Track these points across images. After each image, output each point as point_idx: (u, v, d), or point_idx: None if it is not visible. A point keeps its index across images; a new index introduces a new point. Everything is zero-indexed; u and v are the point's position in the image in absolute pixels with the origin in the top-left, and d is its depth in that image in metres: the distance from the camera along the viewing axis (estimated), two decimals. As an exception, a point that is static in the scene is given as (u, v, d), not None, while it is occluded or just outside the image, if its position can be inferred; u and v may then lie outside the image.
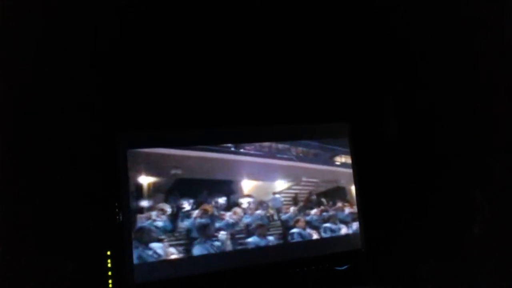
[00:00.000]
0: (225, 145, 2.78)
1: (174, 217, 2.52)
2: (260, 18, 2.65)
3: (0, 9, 2.09)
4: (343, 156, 3.10)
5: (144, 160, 2.53)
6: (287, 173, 2.92)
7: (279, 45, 2.77)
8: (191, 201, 2.59)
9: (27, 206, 2.14)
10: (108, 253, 2.35)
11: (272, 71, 2.81)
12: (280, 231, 2.81)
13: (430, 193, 2.72)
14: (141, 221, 2.45)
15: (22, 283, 2.06)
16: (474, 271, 2.42)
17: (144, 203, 2.49)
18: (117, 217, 2.40)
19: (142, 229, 2.44)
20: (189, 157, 2.66)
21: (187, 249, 2.53)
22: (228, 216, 2.67)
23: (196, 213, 2.58)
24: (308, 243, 2.85)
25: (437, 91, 2.70)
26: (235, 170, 2.77)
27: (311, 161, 3.02)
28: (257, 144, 2.87)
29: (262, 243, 2.72)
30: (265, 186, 2.85)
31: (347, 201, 3.04)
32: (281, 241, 2.77)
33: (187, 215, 2.56)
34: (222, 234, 2.62)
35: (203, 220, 2.58)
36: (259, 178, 2.84)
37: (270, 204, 2.81)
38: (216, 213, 2.64)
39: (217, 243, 2.60)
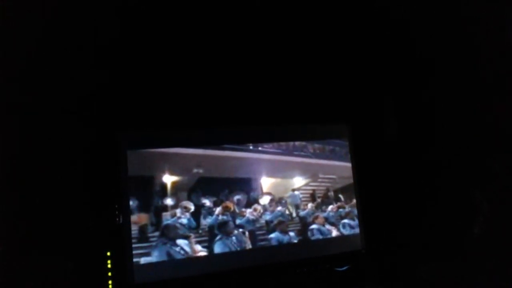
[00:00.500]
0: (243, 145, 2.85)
1: (197, 214, 2.60)
2: (261, 18, 2.65)
3: (0, 9, 2.09)
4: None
5: (164, 160, 2.60)
6: (304, 170, 2.97)
7: (279, 46, 2.77)
8: (213, 199, 2.66)
9: (27, 206, 2.14)
10: (108, 253, 2.34)
11: (272, 72, 2.80)
12: (299, 227, 2.86)
13: (430, 193, 2.72)
14: (166, 218, 2.52)
15: (22, 283, 2.06)
16: (474, 271, 2.42)
17: (168, 201, 2.56)
18: (117, 218, 2.40)
19: (168, 226, 2.51)
20: (209, 156, 2.73)
21: (210, 246, 2.59)
22: (249, 213, 2.73)
23: (218, 210, 2.65)
24: (308, 244, 2.84)
25: (437, 91, 2.70)
26: (254, 168, 2.84)
27: (327, 158, 3.07)
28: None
29: (285, 239, 2.79)
30: (283, 183, 2.91)
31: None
32: (281, 242, 2.77)
33: (209, 212, 2.63)
34: (243, 231, 2.70)
35: (224, 217, 2.65)
36: (277, 175, 2.90)
37: (288, 200, 2.87)
38: (236, 210, 2.71)
39: (237, 240, 2.66)
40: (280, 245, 2.76)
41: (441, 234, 2.62)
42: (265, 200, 2.80)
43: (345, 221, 2.98)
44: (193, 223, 2.58)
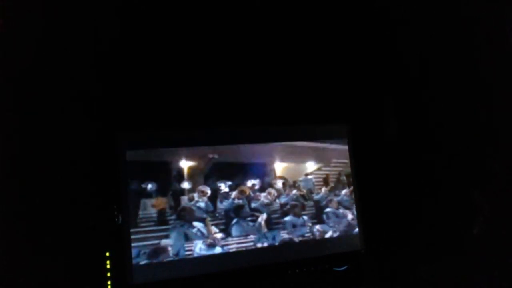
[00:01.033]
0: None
1: (214, 198, 2.69)
2: (261, 18, 2.65)
3: (0, 9, 2.09)
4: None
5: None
6: (317, 155, 3.03)
7: (279, 46, 2.77)
8: (228, 183, 2.74)
9: (27, 206, 2.14)
10: (107, 254, 2.34)
11: (273, 72, 2.81)
12: (313, 211, 2.91)
13: (430, 193, 2.72)
14: (184, 202, 2.61)
15: (22, 283, 2.06)
16: (474, 271, 2.42)
17: (185, 185, 2.65)
18: (117, 218, 2.40)
19: (184, 208, 2.60)
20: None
21: (227, 229, 2.68)
22: (263, 197, 2.80)
23: (234, 194, 2.74)
24: (307, 243, 2.85)
25: (437, 91, 2.70)
26: (267, 153, 2.91)
27: (340, 142, 3.12)
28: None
29: (299, 222, 2.85)
30: (296, 168, 2.97)
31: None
32: (280, 242, 2.77)
33: (225, 196, 2.72)
34: (258, 215, 2.78)
35: (240, 201, 2.74)
36: (290, 160, 2.95)
37: (301, 185, 2.93)
38: (251, 194, 2.79)
39: (253, 223, 2.75)
40: (280, 245, 2.76)
41: (441, 234, 2.61)
42: (278, 184, 2.87)
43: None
44: (210, 207, 2.67)
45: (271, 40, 2.73)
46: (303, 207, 2.90)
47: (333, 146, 3.09)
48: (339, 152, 3.08)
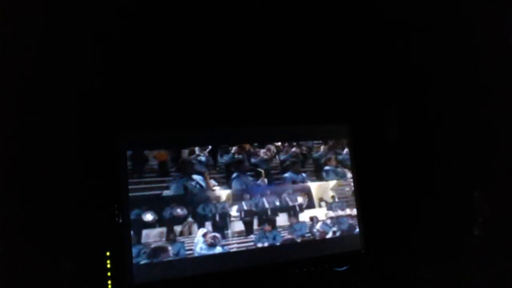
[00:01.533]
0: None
1: (214, 153, 2.74)
2: (261, 18, 2.65)
3: (0, 9, 2.09)
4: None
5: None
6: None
7: (280, 46, 2.77)
8: None
9: (27, 206, 2.14)
10: (108, 253, 2.34)
11: (273, 72, 2.81)
12: (312, 169, 2.96)
13: (430, 194, 2.72)
14: (185, 155, 2.65)
15: (22, 283, 2.06)
16: (474, 271, 2.42)
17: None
18: (117, 218, 2.40)
19: (184, 161, 2.64)
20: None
21: (227, 183, 2.72)
22: (263, 153, 2.85)
23: (234, 149, 2.79)
24: (308, 244, 2.85)
25: (437, 91, 2.70)
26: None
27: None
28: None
29: (298, 178, 2.90)
30: None
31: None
32: (280, 243, 2.77)
33: (226, 151, 2.76)
34: (258, 169, 2.83)
35: (240, 156, 2.78)
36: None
37: (301, 142, 2.98)
38: (251, 150, 2.84)
39: (252, 178, 2.79)
40: (280, 245, 2.76)
41: (441, 234, 2.62)
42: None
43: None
44: (211, 160, 2.71)
45: (272, 40, 2.73)
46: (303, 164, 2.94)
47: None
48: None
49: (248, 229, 2.71)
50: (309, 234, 2.85)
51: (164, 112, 2.59)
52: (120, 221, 2.40)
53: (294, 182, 2.88)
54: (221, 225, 2.64)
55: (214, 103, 2.69)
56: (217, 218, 2.64)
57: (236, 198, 2.72)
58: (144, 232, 2.45)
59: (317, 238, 2.86)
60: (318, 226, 2.88)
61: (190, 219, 2.57)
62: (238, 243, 2.66)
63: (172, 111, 2.61)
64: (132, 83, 2.51)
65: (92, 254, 2.28)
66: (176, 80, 2.61)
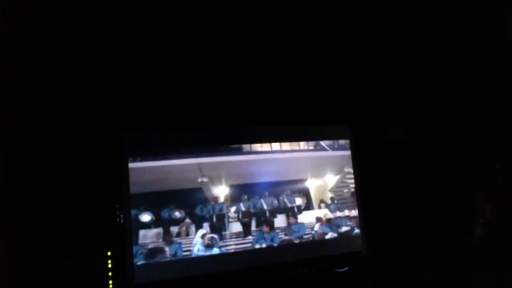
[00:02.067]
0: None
1: None
2: (261, 18, 2.65)
3: (0, 9, 2.10)
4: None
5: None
6: None
7: (281, 46, 2.77)
8: None
9: (27, 206, 2.14)
10: (109, 253, 2.34)
11: (274, 72, 2.80)
12: None
13: (430, 194, 2.72)
14: None
15: (22, 283, 2.06)
16: (474, 271, 2.42)
17: None
18: (118, 218, 2.40)
19: None
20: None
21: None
22: None
23: None
24: (308, 244, 2.84)
25: (438, 91, 2.70)
26: None
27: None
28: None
29: None
30: None
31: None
32: (281, 243, 2.77)
33: None
34: None
35: None
36: None
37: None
38: None
39: None
40: (279, 246, 2.76)
41: (442, 235, 2.62)
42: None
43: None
44: None
45: (273, 41, 2.73)
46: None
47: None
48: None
49: (246, 230, 2.69)
50: (308, 235, 2.84)
51: (164, 112, 2.59)
52: (121, 221, 2.40)
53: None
54: (218, 226, 2.62)
55: (214, 103, 2.69)
56: (215, 219, 2.62)
57: (234, 199, 2.70)
58: (141, 232, 2.44)
59: (316, 239, 2.86)
60: (317, 227, 2.86)
61: (188, 220, 2.55)
62: (236, 244, 2.65)
63: (172, 111, 2.60)
64: (132, 83, 2.51)
65: (93, 254, 2.28)
66: (176, 80, 2.60)
